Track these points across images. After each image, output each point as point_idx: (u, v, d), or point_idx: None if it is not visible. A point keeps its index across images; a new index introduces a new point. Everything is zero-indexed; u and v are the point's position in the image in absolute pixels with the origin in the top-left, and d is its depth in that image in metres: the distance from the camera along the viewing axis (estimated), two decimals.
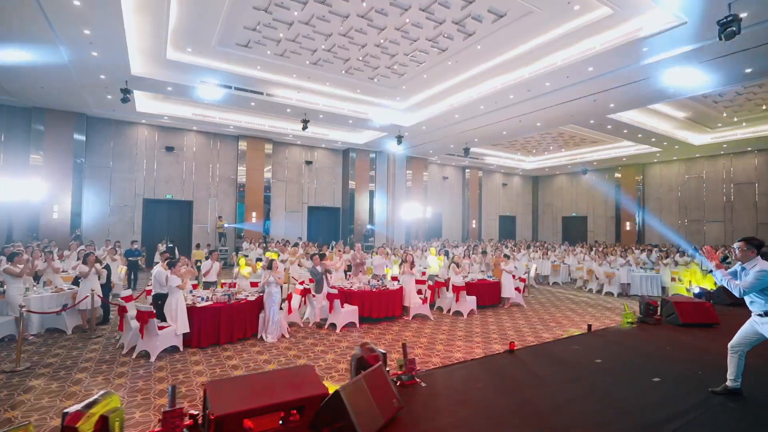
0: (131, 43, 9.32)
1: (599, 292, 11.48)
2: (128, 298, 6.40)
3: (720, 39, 7.14)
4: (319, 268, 7.40)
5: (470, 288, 8.81)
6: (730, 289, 3.47)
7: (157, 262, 7.88)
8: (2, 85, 11.58)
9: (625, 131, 15.68)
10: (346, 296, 7.43)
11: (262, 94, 12.66)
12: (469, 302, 8.34)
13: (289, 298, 6.78)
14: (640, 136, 16.22)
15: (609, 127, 15.14)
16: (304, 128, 13.94)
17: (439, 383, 4.04)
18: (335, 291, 7.13)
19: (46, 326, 6.56)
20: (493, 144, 20.31)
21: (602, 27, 8.52)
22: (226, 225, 16.34)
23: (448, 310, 8.46)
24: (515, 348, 4.98)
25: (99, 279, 6.74)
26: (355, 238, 19.20)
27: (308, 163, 19.00)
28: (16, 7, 7.43)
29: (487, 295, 9.05)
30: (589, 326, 6.19)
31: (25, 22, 7.96)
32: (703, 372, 4.26)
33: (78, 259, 8.45)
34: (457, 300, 8.23)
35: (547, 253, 13.91)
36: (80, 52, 9.26)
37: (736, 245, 3.58)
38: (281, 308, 6.52)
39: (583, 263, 12.28)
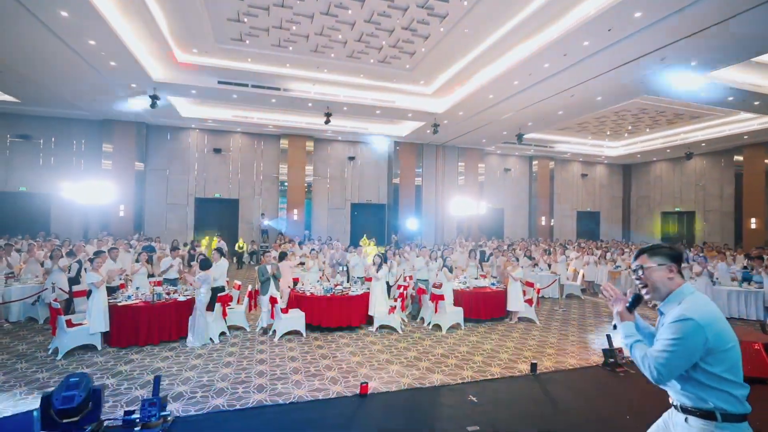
0: (138, 50, 9.82)
1: None
2: (80, 293, 6.58)
3: None
4: (268, 267, 6.76)
5: (462, 297, 7.31)
6: (636, 364, 1.68)
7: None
8: (72, 101, 13.40)
9: (731, 98, 11.90)
10: (298, 301, 6.66)
11: (279, 89, 12.53)
12: (452, 314, 6.87)
13: (224, 300, 6.26)
14: (757, 103, 12.20)
15: (702, 94, 11.63)
16: (327, 122, 13.48)
17: None
18: (277, 294, 6.41)
19: (26, 314, 7.11)
20: (560, 129, 17.48)
21: None
22: (265, 222, 16.80)
23: (429, 322, 7.10)
24: (368, 392, 3.65)
25: (68, 272, 7.09)
26: (400, 235, 18.25)
27: (351, 158, 18.60)
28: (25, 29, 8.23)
29: (486, 306, 7.39)
30: (534, 365, 4.41)
31: (39, 42, 8.82)
32: None
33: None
34: (435, 311, 6.85)
35: (605, 256, 11.21)
36: (101, 63, 10.03)
37: (634, 264, 1.83)
38: (211, 310, 6.04)
39: None
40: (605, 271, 10.61)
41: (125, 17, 8.56)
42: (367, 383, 3.84)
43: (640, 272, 1.79)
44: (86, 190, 13.87)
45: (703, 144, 17.34)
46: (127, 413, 2.99)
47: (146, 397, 3.13)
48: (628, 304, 1.82)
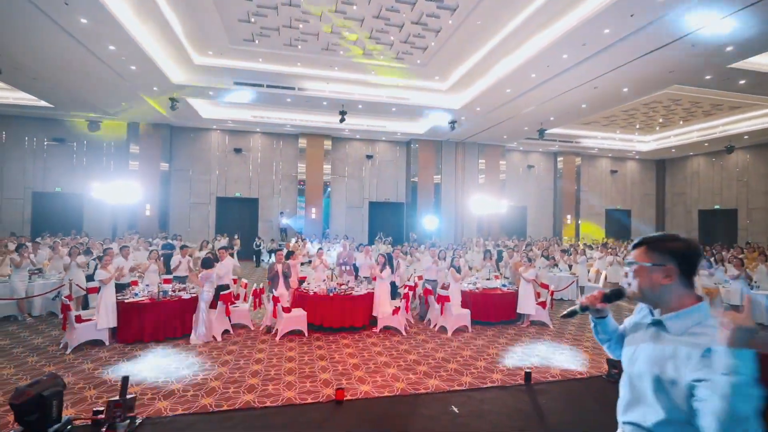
0: (156, 54, 10.11)
1: None
2: (93, 290, 6.80)
3: None
4: (278, 266, 6.78)
5: (470, 299, 7.06)
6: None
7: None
8: (101, 107, 14.01)
9: None
10: (301, 300, 6.63)
11: (294, 89, 12.61)
12: (458, 317, 6.64)
13: (227, 298, 6.30)
14: None
15: (742, 82, 10.80)
16: (342, 120, 13.46)
17: None
18: (286, 292, 6.40)
19: (48, 309, 7.45)
20: (585, 123, 16.71)
21: None
22: (284, 221, 17.00)
23: (435, 325, 6.90)
24: (344, 398, 3.50)
25: (86, 269, 7.36)
26: (418, 234, 18.03)
27: (369, 157, 18.52)
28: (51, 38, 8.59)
29: (496, 308, 7.12)
30: (528, 374, 4.12)
31: (64, 49, 9.19)
32: None
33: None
34: (441, 312, 6.65)
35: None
36: (122, 67, 10.38)
37: (630, 257, 1.41)
38: (213, 308, 6.10)
39: None
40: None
41: (141, 22, 8.80)
42: (342, 389, 3.72)
43: (629, 269, 1.40)
44: (115, 190, 14.44)
45: (746, 136, 16.12)
46: (96, 413, 3.02)
47: (136, 397, 3.14)
48: (604, 297, 1.47)
